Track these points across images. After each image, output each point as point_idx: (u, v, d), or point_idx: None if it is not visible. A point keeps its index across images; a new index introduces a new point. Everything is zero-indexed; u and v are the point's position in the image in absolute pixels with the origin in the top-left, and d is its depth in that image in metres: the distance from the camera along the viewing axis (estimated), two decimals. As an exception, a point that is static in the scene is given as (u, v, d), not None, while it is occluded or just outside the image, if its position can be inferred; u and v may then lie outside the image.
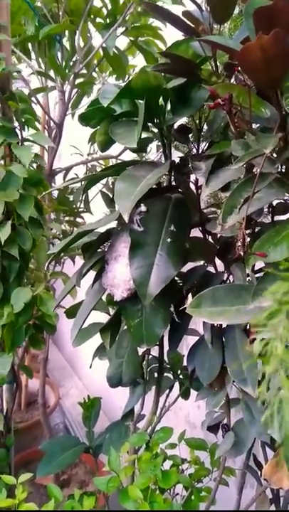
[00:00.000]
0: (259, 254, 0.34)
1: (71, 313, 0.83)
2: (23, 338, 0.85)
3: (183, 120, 0.67)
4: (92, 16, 1.00)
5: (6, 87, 0.79)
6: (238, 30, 0.51)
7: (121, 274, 0.57)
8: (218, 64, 0.49)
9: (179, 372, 0.88)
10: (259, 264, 0.50)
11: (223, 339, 0.57)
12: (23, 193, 0.79)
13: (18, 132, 0.81)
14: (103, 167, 1.27)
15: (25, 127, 0.84)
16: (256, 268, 0.54)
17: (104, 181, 1.13)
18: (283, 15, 0.31)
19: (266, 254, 0.33)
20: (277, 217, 0.60)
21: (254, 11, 0.32)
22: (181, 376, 0.87)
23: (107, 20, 0.98)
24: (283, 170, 0.41)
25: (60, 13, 0.96)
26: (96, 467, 1.03)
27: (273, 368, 0.18)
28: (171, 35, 0.61)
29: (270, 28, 0.30)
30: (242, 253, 0.37)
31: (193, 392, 0.86)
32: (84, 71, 1.04)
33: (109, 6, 0.97)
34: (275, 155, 0.39)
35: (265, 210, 0.60)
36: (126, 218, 0.48)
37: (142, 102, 0.54)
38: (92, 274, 0.65)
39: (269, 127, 0.40)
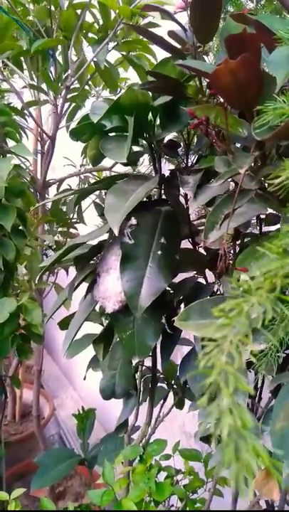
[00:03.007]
0: (241, 269, 0.35)
1: (64, 324, 0.83)
2: (9, 349, 0.86)
3: (173, 134, 0.68)
4: (84, 31, 1.02)
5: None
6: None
7: (112, 287, 0.57)
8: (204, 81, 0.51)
9: (173, 382, 0.88)
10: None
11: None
12: (5, 204, 0.80)
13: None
14: (97, 178, 1.28)
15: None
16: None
17: (97, 192, 1.14)
18: (252, 41, 0.32)
19: (248, 269, 0.34)
20: (268, 228, 0.61)
21: (224, 38, 0.33)
22: (175, 386, 0.88)
23: (100, 35, 1.00)
24: (266, 185, 0.42)
25: (54, 27, 0.98)
26: (91, 479, 1.02)
27: (213, 379, 0.19)
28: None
29: (242, 52, 0.31)
30: (225, 267, 0.38)
31: (187, 402, 0.87)
32: (77, 85, 1.06)
33: (101, 22, 0.99)
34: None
35: (254, 221, 0.61)
36: (116, 232, 0.48)
37: (131, 117, 0.55)
38: (85, 284, 0.66)
39: (248, 146, 0.41)
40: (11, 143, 0.91)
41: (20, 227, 0.86)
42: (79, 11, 0.95)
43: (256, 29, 0.40)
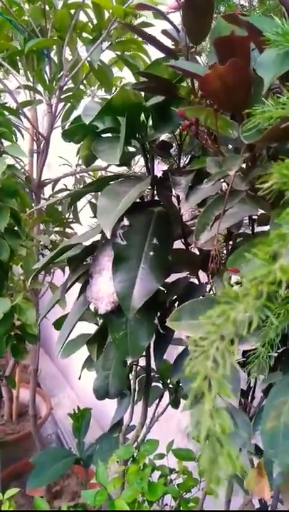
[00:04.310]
0: (232, 270, 0.35)
1: (59, 324, 0.83)
2: (4, 349, 0.86)
3: (166, 135, 0.68)
4: (78, 31, 1.01)
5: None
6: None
7: (105, 288, 0.57)
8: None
9: (168, 381, 0.88)
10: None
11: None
12: (-1, 204, 0.80)
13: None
14: (92, 177, 1.28)
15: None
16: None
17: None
18: (241, 44, 0.33)
19: (238, 270, 0.34)
20: (261, 228, 0.61)
21: (213, 41, 0.33)
22: (170, 385, 0.88)
23: (94, 35, 1.00)
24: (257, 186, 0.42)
25: (49, 27, 0.98)
26: (87, 478, 1.03)
27: (198, 385, 0.19)
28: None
29: (231, 54, 0.31)
30: (216, 268, 0.38)
31: (183, 401, 0.87)
32: (72, 85, 1.06)
33: (95, 21, 0.99)
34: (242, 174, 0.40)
35: (247, 221, 0.62)
36: (108, 235, 0.48)
37: (123, 118, 0.55)
38: (79, 284, 0.66)
39: (239, 147, 0.41)
40: (6, 143, 0.91)
41: (15, 228, 0.86)
42: (73, 11, 0.94)
43: (247, 30, 0.40)
